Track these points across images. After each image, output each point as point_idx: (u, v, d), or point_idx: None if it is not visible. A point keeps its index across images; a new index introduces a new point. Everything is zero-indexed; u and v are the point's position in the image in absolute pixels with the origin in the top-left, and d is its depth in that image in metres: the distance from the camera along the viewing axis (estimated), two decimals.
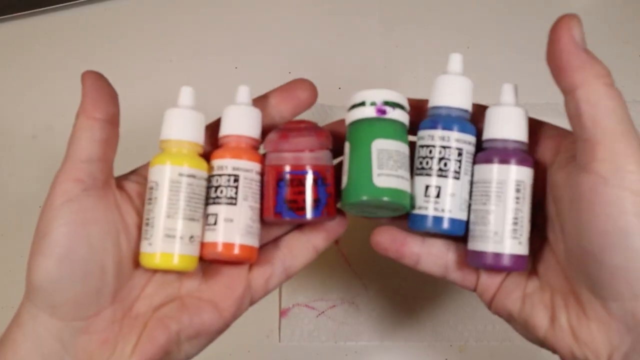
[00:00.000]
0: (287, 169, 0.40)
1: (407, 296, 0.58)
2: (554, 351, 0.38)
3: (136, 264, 0.40)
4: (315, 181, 0.40)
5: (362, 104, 0.40)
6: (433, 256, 0.41)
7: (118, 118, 0.39)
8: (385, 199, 0.38)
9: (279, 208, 0.40)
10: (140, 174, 0.42)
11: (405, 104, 0.41)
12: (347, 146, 0.40)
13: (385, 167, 0.39)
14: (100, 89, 0.39)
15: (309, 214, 0.40)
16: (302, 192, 0.40)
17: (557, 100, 0.61)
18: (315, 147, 0.41)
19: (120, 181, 0.41)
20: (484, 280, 0.41)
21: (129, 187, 0.41)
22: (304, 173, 0.40)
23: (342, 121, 0.42)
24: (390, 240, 0.42)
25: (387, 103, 0.40)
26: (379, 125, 0.40)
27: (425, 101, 0.42)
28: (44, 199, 0.37)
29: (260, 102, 0.43)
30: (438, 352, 0.57)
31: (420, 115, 0.42)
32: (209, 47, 0.68)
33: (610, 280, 0.34)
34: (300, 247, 0.43)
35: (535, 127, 0.40)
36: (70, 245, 0.36)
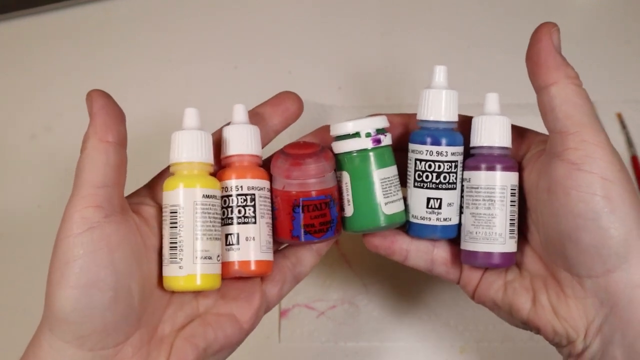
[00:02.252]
0: (302, 196, 0.41)
1: (407, 297, 0.58)
2: (537, 331, 0.41)
3: (155, 286, 0.40)
4: (327, 204, 0.42)
5: (357, 134, 0.42)
6: (420, 252, 0.45)
7: (126, 140, 0.39)
8: (393, 223, 0.43)
9: (296, 232, 0.42)
10: (150, 195, 0.42)
11: (388, 124, 0.43)
12: (345, 175, 0.43)
13: (389, 194, 0.42)
14: (111, 110, 0.38)
15: (325, 235, 0.42)
16: (318, 217, 0.42)
17: None
18: (326, 171, 0.42)
19: (133, 204, 0.41)
20: (467, 274, 0.44)
21: (144, 210, 0.41)
22: (319, 198, 0.42)
23: (327, 128, 0.44)
24: (381, 238, 0.45)
25: (379, 131, 0.42)
26: (377, 155, 0.42)
27: (409, 116, 0.45)
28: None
29: (251, 117, 0.43)
30: (438, 352, 0.57)
31: (406, 128, 0.45)
32: (209, 47, 0.68)
33: (584, 258, 0.38)
34: (306, 254, 0.45)
35: (513, 130, 0.44)
36: (97, 273, 0.36)
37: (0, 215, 0.63)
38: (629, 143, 0.61)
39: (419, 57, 0.66)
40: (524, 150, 0.43)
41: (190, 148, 0.40)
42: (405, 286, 0.58)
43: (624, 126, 0.62)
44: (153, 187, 0.42)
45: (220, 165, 0.43)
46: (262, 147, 0.44)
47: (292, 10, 0.69)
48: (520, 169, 0.43)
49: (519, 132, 0.44)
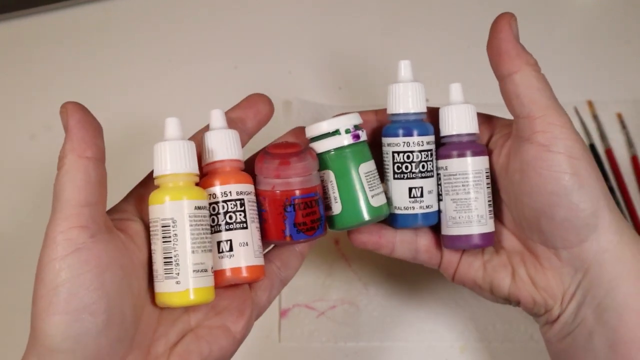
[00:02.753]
0: (297, 194, 0.42)
1: (407, 297, 0.58)
2: (517, 303, 0.44)
3: (147, 305, 0.39)
4: (317, 201, 0.42)
5: (337, 132, 0.43)
6: (405, 243, 0.46)
7: (104, 154, 0.37)
8: (380, 216, 0.44)
9: (288, 231, 0.42)
10: (131, 210, 0.41)
11: (362, 120, 0.44)
12: (329, 174, 0.43)
13: (374, 187, 0.43)
14: (88, 124, 0.36)
15: (316, 232, 0.42)
16: (310, 214, 0.42)
17: (558, 100, 0.60)
18: (313, 169, 0.42)
19: (116, 221, 0.39)
20: (447, 258, 0.46)
21: (128, 226, 0.39)
22: (309, 196, 0.42)
23: (301, 129, 0.45)
24: (367, 234, 0.45)
25: (356, 127, 0.43)
26: (358, 150, 0.43)
27: (370, 112, 0.46)
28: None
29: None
30: (438, 352, 0.57)
31: (377, 124, 0.46)
32: (209, 47, 0.68)
33: (559, 231, 0.41)
34: (291, 257, 0.45)
35: None
36: (87, 296, 0.34)
37: (0, 215, 0.63)
38: (629, 143, 0.61)
39: (419, 57, 0.66)
40: (488, 135, 0.45)
41: (174, 159, 0.39)
42: (405, 286, 0.58)
43: (624, 126, 0.62)
44: (133, 201, 0.41)
45: (203, 173, 0.42)
46: None
47: (292, 10, 0.69)
48: (491, 154, 0.45)
49: (483, 119, 0.46)
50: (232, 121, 0.43)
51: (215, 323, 0.41)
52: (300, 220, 0.42)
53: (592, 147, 0.61)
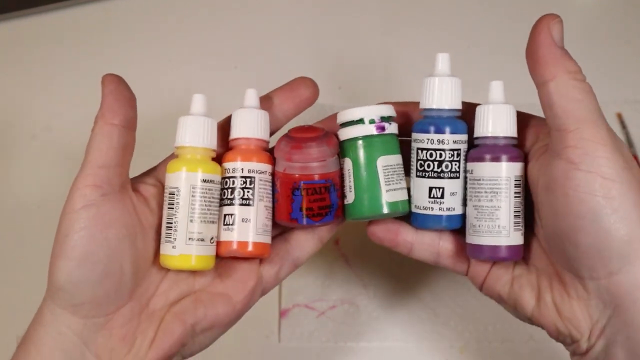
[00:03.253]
0: (302, 179, 0.42)
1: (407, 297, 0.58)
2: (542, 327, 0.41)
3: (152, 263, 0.42)
4: (327, 189, 0.42)
5: (361, 121, 0.42)
6: (425, 244, 0.44)
7: (135, 122, 0.41)
8: (395, 212, 0.42)
9: (295, 215, 0.42)
10: (154, 175, 0.43)
11: (395, 114, 0.43)
12: (348, 162, 0.43)
13: (391, 182, 0.42)
14: (119, 94, 0.40)
15: (323, 219, 0.42)
16: (317, 200, 0.42)
17: None
18: (327, 156, 0.42)
19: (135, 184, 0.42)
20: (475, 267, 0.43)
21: (145, 189, 0.42)
22: (319, 182, 0.42)
23: (331, 119, 0.44)
24: (384, 230, 0.44)
25: (383, 118, 0.42)
26: (380, 142, 0.42)
27: (412, 104, 0.44)
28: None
29: (264, 102, 0.44)
30: (438, 352, 0.57)
31: (409, 118, 0.44)
32: (209, 47, 0.68)
33: (585, 260, 0.37)
34: (307, 240, 0.45)
35: (520, 118, 0.42)
36: (89, 248, 0.38)
37: (0, 215, 0.63)
38: (629, 143, 0.61)
39: (419, 57, 0.66)
40: (532, 141, 0.42)
41: (194, 133, 0.41)
42: (405, 286, 0.58)
43: (623, 126, 0.62)
44: (160, 169, 0.43)
45: (227, 147, 0.43)
46: (274, 132, 0.44)
47: (292, 10, 0.69)
48: (526, 160, 0.41)
49: (526, 120, 0.42)
50: (270, 101, 0.44)
51: (217, 290, 0.42)
52: (307, 205, 0.42)
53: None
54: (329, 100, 0.64)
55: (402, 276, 0.58)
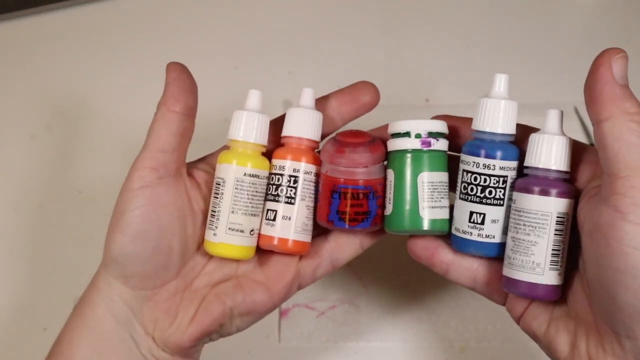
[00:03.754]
0: (341, 183, 0.42)
1: (407, 297, 0.58)
2: None
3: (199, 245, 0.44)
4: (366, 195, 0.42)
5: (407, 134, 0.42)
6: (462, 268, 0.43)
7: (195, 110, 0.42)
8: (433, 230, 0.42)
9: (331, 217, 0.43)
10: (209, 162, 0.45)
11: (446, 130, 0.42)
12: (390, 173, 0.43)
13: (432, 199, 0.42)
14: (182, 82, 0.42)
15: (359, 225, 0.43)
16: (355, 205, 0.42)
17: (558, 100, 0.61)
18: (370, 162, 0.42)
19: (190, 169, 0.44)
20: (513, 300, 0.42)
21: (198, 175, 0.44)
22: (357, 188, 0.42)
23: (386, 127, 0.44)
24: (422, 247, 0.44)
25: (431, 134, 0.41)
26: (424, 158, 0.42)
27: (465, 120, 0.43)
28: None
29: (321, 103, 0.45)
30: (438, 352, 0.57)
31: (460, 134, 0.43)
32: (209, 47, 0.68)
33: (622, 318, 0.35)
34: (348, 243, 0.45)
35: (578, 150, 0.40)
36: (143, 225, 0.40)
37: (0, 215, 0.63)
38: None
39: (419, 57, 0.66)
40: (587, 178, 0.39)
41: (247, 128, 0.43)
42: (405, 286, 0.58)
43: None
44: (213, 156, 0.45)
45: (279, 143, 0.44)
46: (329, 134, 0.45)
47: (292, 10, 0.69)
48: (577, 197, 0.39)
49: (583, 154, 0.40)
50: (327, 103, 0.45)
51: (258, 277, 0.44)
52: (343, 209, 0.42)
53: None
54: None
55: (402, 276, 0.58)
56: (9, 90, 0.67)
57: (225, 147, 0.44)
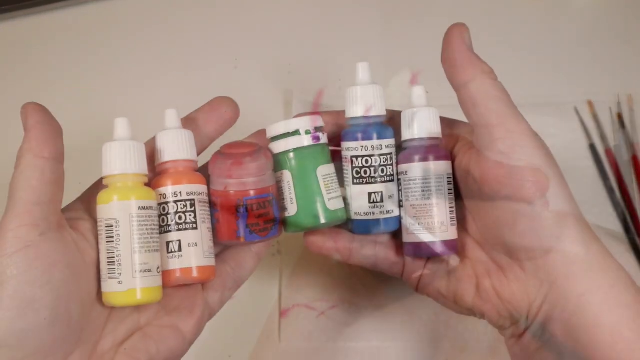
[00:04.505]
0: (246, 194, 0.41)
1: (407, 296, 0.58)
2: (482, 316, 0.43)
3: (95, 302, 0.39)
4: (270, 202, 0.42)
5: (296, 132, 0.42)
6: (364, 249, 0.45)
7: (64, 155, 0.38)
8: (336, 219, 0.43)
9: (240, 232, 0.42)
10: (82, 208, 0.41)
11: (323, 123, 0.44)
12: (287, 174, 0.43)
13: (332, 190, 0.43)
14: (47, 126, 0.38)
15: (269, 233, 0.42)
16: (262, 215, 0.42)
17: (558, 100, 0.61)
18: (266, 169, 0.42)
19: (68, 220, 0.39)
20: (410, 266, 0.45)
21: (80, 224, 0.40)
22: (263, 197, 0.42)
23: (263, 132, 0.44)
24: (324, 239, 0.45)
25: (317, 129, 0.43)
26: (317, 152, 0.43)
27: (338, 113, 0.45)
28: None
29: (187, 123, 0.43)
30: (438, 352, 0.57)
31: (337, 127, 0.45)
32: (209, 47, 0.68)
33: (522, 242, 0.40)
34: (246, 258, 0.45)
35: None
36: (32, 292, 0.35)
37: (0, 215, 0.62)
38: (629, 143, 0.61)
39: (419, 57, 0.66)
40: (454, 142, 0.44)
41: (122, 159, 0.40)
42: (405, 286, 0.58)
43: (623, 126, 0.62)
44: (87, 200, 0.41)
45: (156, 173, 0.42)
46: (198, 154, 0.43)
47: (292, 10, 0.69)
48: (455, 160, 0.44)
49: (447, 124, 0.45)
50: (193, 123, 0.43)
51: (165, 322, 0.41)
52: (253, 221, 0.41)
53: (592, 147, 0.61)
54: (328, 100, 0.64)
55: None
56: (9, 90, 0.67)
57: (97, 186, 0.41)
